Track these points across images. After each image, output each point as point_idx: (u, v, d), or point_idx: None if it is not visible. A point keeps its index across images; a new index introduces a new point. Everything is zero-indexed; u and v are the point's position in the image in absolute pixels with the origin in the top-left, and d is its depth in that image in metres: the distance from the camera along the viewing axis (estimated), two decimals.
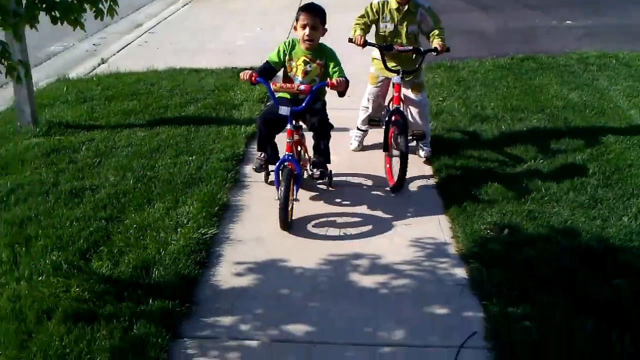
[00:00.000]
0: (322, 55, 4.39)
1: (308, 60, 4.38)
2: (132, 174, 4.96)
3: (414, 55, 4.88)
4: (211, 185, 4.80)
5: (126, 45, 9.26)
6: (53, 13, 2.98)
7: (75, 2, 3.02)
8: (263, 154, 4.52)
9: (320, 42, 4.41)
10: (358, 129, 5.49)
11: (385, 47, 4.81)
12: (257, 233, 4.25)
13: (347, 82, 4.18)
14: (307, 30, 4.28)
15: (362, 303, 3.58)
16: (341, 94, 4.24)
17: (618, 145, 5.41)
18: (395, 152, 4.73)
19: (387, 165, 4.92)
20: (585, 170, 4.96)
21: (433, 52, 4.79)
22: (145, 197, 4.63)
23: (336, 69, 4.33)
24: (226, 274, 3.84)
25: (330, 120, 4.45)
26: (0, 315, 3.37)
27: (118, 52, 8.94)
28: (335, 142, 4.70)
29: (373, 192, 4.83)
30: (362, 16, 4.96)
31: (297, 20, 4.35)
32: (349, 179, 4.98)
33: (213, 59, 8.24)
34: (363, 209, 4.54)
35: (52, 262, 3.82)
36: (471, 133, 5.73)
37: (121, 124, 6.02)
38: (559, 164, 5.09)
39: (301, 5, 4.42)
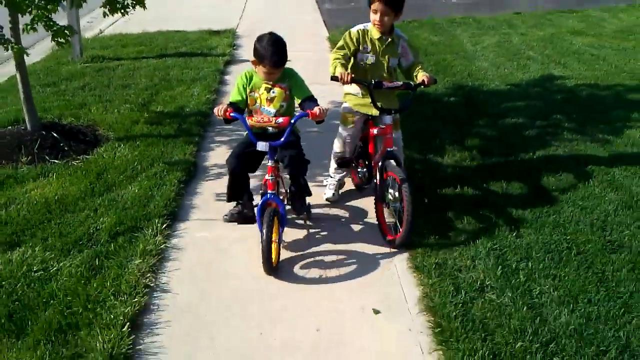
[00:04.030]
0: (283, 77, 4.05)
1: (270, 86, 4.05)
2: (156, 77, 8.09)
3: (396, 92, 4.49)
4: (208, 80, 7.99)
5: (114, 22, 11.94)
6: None
7: None
8: (237, 204, 4.33)
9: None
10: (332, 177, 4.93)
11: (376, 84, 4.19)
12: None
13: (326, 109, 3.87)
14: (270, 75, 3.99)
15: None
16: (320, 121, 3.90)
17: (456, 61, 8.87)
18: (391, 200, 4.19)
19: (380, 217, 4.31)
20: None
21: (421, 86, 4.24)
22: (169, 86, 7.76)
23: (302, 90, 4.08)
24: None
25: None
26: (116, 119, 6.48)
27: (110, 25, 11.80)
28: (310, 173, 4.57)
29: (352, 225, 4.57)
30: (342, 47, 4.36)
31: (258, 60, 3.98)
32: (326, 210, 4.77)
33: (186, 24, 11.35)
34: (344, 246, 4.27)
35: (129, 106, 6.94)
36: None
37: (138, 58, 9.11)
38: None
39: (261, 42, 3.97)
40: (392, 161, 4.17)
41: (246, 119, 3.94)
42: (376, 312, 3.68)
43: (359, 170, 4.83)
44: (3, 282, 3.84)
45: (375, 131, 4.39)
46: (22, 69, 5.60)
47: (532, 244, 4.22)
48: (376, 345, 3.42)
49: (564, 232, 4.35)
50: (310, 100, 4.02)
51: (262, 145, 3.87)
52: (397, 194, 4.11)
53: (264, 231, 3.72)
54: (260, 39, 4.00)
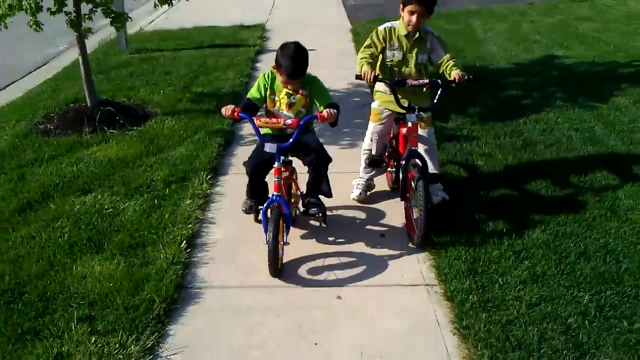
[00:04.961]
0: (305, 84, 4.02)
1: (291, 92, 4.04)
2: (195, 65, 9.03)
3: (426, 89, 4.35)
4: (241, 67, 8.90)
5: (152, 21, 13.02)
6: None
7: None
8: (254, 200, 4.25)
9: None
10: (361, 177, 4.91)
11: (398, 82, 4.21)
12: None
13: (337, 110, 3.85)
14: (289, 85, 3.98)
15: None
16: (333, 124, 3.90)
17: (467, 46, 9.64)
18: (415, 201, 4.08)
19: (407, 217, 4.35)
20: None
21: (452, 84, 4.16)
22: (206, 71, 8.68)
23: (323, 97, 4.02)
24: None
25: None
26: (162, 98, 7.42)
27: (150, 23, 12.82)
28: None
29: (367, 228, 4.55)
30: (369, 46, 4.37)
31: (278, 68, 3.94)
32: (342, 212, 4.75)
33: (220, 20, 12.33)
34: (356, 248, 4.26)
35: (173, 88, 7.89)
36: None
37: (177, 49, 10.07)
38: None
39: (284, 52, 3.93)
40: (416, 160, 4.10)
41: (255, 119, 3.89)
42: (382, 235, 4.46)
43: (389, 169, 4.86)
44: (81, 217, 4.75)
45: (404, 130, 4.29)
46: (83, 53, 6.56)
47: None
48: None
49: (544, 172, 5.14)
50: (331, 107, 3.91)
51: (270, 147, 3.84)
52: (416, 193, 4.04)
53: (271, 233, 3.69)
54: (283, 47, 3.96)
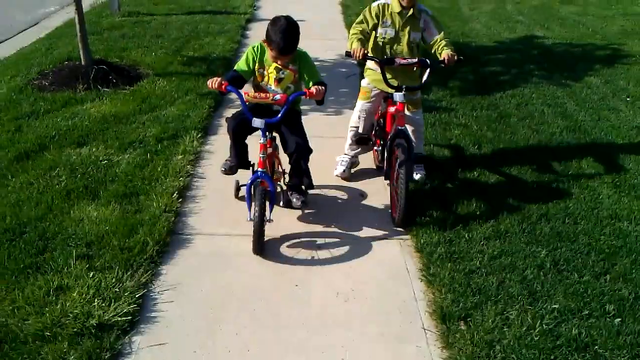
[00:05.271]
0: (294, 59, 3.97)
1: (280, 66, 3.96)
2: (186, 30, 9.21)
3: (416, 69, 4.35)
4: (231, 34, 9.11)
5: None
6: None
7: None
8: (235, 161, 4.23)
9: None
10: (346, 154, 4.92)
11: (387, 60, 4.21)
12: None
13: (325, 88, 3.82)
14: (279, 60, 3.93)
15: None
16: (320, 102, 3.87)
17: (452, 23, 9.90)
18: (398, 181, 4.08)
19: (391, 196, 4.32)
20: None
21: (441, 64, 4.17)
22: (197, 36, 8.88)
23: (311, 74, 3.96)
24: None
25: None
26: (154, 60, 7.65)
27: None
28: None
29: (349, 205, 4.60)
30: (361, 22, 4.37)
31: (268, 43, 3.88)
32: (324, 191, 4.72)
33: None
34: (337, 229, 4.27)
35: (164, 51, 8.11)
36: None
37: (169, 14, 10.23)
38: None
39: (275, 26, 3.86)
40: (402, 140, 4.11)
41: (242, 93, 3.83)
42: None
43: (375, 148, 4.88)
44: (77, 167, 5.00)
45: (392, 109, 4.27)
46: (79, 12, 6.75)
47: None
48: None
49: (514, 142, 5.51)
50: (319, 85, 3.86)
51: (257, 122, 3.78)
52: (398, 173, 4.06)
53: (256, 210, 3.67)
54: (274, 21, 3.87)
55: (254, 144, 4.05)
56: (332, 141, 5.40)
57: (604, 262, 3.87)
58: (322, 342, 3.30)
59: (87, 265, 3.77)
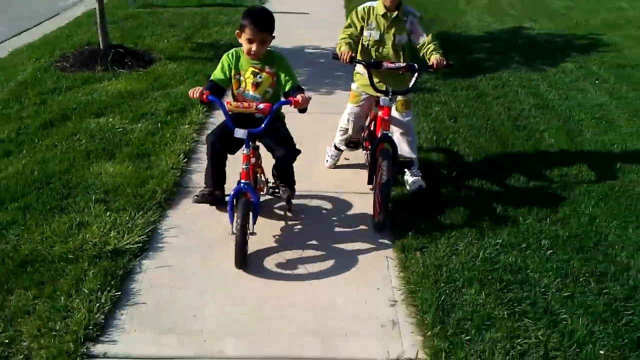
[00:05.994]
0: (271, 61, 3.85)
1: (257, 70, 3.84)
2: (197, 20, 9.90)
3: (402, 73, 4.28)
4: (238, 24, 9.75)
5: None
6: None
7: None
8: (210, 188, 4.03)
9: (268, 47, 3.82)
10: (335, 147, 4.98)
11: (373, 64, 4.18)
12: None
13: (309, 97, 3.69)
14: (254, 46, 3.73)
15: None
16: (303, 110, 3.73)
17: (447, 15, 10.49)
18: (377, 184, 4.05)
19: (374, 200, 4.22)
20: None
21: (429, 69, 4.18)
22: (207, 26, 9.57)
23: (288, 77, 3.82)
24: None
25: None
26: (166, 46, 8.34)
27: None
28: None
29: (333, 218, 4.48)
30: (349, 26, 4.39)
31: (241, 29, 3.78)
32: (309, 201, 4.64)
33: None
34: (320, 241, 4.15)
35: (176, 38, 8.79)
36: None
37: (181, 6, 10.93)
38: None
39: (246, 11, 3.88)
40: (385, 145, 4.10)
41: (225, 103, 3.71)
42: None
43: (365, 153, 4.82)
44: (96, 134, 5.68)
45: (380, 113, 4.22)
46: (100, 2, 7.45)
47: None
48: None
49: (487, 117, 6.12)
50: (297, 90, 3.78)
51: (240, 133, 3.65)
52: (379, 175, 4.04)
53: (239, 223, 3.54)
54: (247, 9, 3.92)
55: (236, 155, 4.03)
56: (324, 117, 6.02)
57: (547, 209, 4.47)
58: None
59: (104, 208, 4.42)
